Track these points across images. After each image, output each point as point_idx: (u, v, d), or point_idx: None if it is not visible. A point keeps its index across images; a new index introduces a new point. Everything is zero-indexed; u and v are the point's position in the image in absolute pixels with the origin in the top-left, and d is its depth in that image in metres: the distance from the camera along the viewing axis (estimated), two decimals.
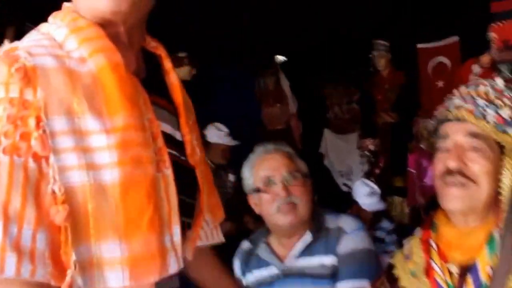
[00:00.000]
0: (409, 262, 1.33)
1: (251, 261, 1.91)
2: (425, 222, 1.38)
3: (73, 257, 0.84)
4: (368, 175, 5.00)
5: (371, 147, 4.84)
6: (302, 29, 5.04)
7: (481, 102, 1.24)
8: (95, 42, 0.94)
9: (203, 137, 4.47)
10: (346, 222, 1.81)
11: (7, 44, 0.92)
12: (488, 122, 1.21)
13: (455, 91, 1.31)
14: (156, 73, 1.10)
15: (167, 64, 1.12)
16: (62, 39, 0.95)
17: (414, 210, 4.67)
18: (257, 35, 5.03)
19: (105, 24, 0.97)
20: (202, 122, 5.14)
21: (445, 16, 4.64)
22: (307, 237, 1.79)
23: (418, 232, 1.37)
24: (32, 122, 0.86)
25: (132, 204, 0.88)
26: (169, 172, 0.95)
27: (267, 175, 1.78)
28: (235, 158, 4.54)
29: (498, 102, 1.24)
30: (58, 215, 0.84)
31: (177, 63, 4.45)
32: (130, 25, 1.00)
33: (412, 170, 4.60)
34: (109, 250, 0.87)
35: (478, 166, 1.20)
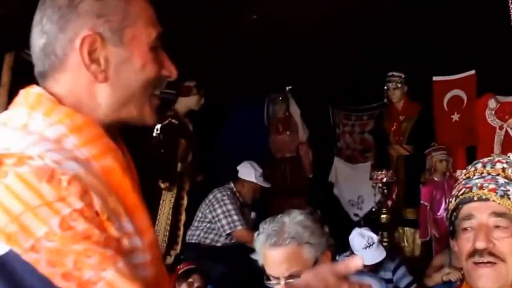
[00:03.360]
0: None
1: None
2: None
3: None
4: (380, 205, 4.91)
5: (385, 179, 4.74)
6: (314, 57, 5.01)
7: (501, 180, 1.28)
8: (99, 142, 0.89)
9: (235, 172, 4.42)
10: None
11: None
12: (510, 200, 1.25)
13: (472, 170, 1.34)
14: None
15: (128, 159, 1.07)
16: (57, 137, 0.86)
17: (425, 243, 4.56)
18: (268, 63, 5.01)
19: (109, 124, 0.94)
20: (210, 151, 5.05)
21: (462, 49, 4.59)
22: None
23: None
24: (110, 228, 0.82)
25: None
26: None
27: (270, 274, 1.72)
28: None
29: None
30: None
31: (185, 92, 4.39)
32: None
33: (425, 203, 4.51)
34: None
35: (506, 244, 1.23)
